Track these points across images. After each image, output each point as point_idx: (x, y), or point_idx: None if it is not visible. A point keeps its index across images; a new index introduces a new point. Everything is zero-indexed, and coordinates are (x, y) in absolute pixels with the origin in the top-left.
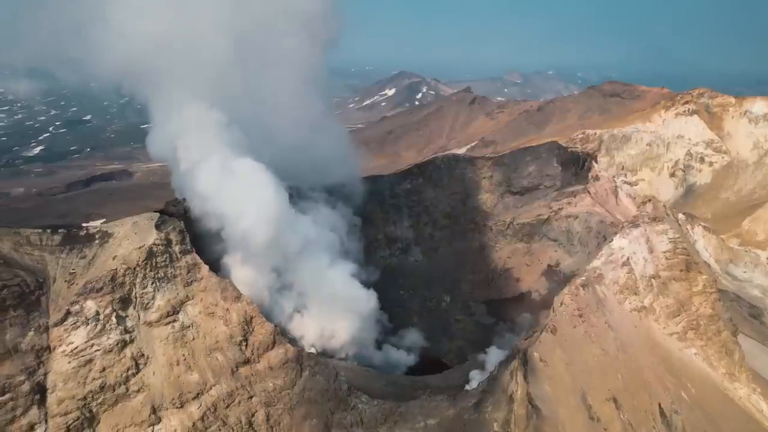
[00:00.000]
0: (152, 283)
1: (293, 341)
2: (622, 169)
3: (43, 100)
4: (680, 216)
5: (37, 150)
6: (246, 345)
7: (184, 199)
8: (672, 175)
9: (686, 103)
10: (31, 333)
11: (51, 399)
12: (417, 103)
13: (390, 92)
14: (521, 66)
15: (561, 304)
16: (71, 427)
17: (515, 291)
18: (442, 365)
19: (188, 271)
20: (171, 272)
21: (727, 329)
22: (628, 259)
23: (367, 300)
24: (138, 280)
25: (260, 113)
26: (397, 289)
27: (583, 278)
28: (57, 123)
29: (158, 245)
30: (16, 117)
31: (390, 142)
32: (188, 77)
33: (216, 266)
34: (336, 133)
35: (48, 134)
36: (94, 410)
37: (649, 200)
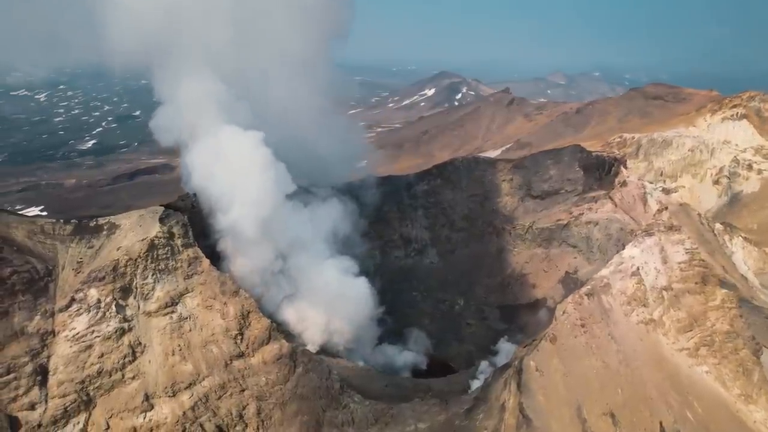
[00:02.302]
0: (153, 275)
1: (290, 336)
2: (661, 175)
3: (98, 96)
4: (717, 226)
5: (90, 144)
6: (241, 339)
7: (194, 194)
8: (715, 182)
9: (735, 106)
10: (37, 317)
11: (52, 381)
12: (456, 103)
13: (430, 92)
14: (567, 67)
15: (563, 312)
16: (69, 408)
17: (531, 297)
18: (449, 369)
19: (189, 264)
20: (172, 264)
21: (747, 348)
22: (638, 269)
23: (363, 298)
24: (139, 270)
25: (264, 110)
26: (410, 290)
27: (589, 287)
28: (109, 118)
29: (160, 238)
30: (73, 112)
31: (425, 143)
32: (192, 57)
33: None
34: (346, 131)
35: (100, 129)
36: (91, 394)
37: (666, 208)
